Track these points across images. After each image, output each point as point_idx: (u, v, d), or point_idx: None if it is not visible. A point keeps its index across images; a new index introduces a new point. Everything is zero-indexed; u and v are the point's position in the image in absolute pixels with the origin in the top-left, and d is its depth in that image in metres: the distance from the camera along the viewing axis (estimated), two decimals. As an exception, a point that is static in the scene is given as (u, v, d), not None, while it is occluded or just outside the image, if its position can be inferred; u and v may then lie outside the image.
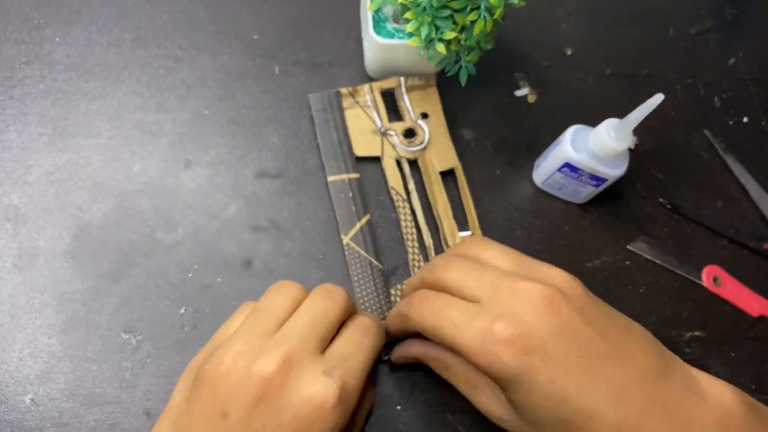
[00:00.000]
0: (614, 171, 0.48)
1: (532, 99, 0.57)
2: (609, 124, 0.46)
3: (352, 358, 0.35)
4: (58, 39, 0.52)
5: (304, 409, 0.31)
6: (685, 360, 0.46)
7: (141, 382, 0.43)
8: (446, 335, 0.34)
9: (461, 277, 0.36)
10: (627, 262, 0.52)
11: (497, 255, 0.37)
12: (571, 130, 0.48)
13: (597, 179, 0.49)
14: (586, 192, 0.51)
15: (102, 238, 0.46)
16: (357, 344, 0.36)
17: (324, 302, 0.36)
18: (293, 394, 0.31)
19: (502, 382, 0.33)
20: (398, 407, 0.45)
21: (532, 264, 0.36)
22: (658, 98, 0.42)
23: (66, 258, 0.45)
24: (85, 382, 0.43)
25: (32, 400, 0.42)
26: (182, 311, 0.45)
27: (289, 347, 0.32)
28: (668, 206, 0.54)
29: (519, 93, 0.57)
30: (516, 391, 0.32)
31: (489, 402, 0.37)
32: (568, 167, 0.49)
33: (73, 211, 0.47)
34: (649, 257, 0.52)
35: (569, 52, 0.60)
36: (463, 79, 0.48)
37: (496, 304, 0.33)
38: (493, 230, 0.51)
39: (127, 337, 0.44)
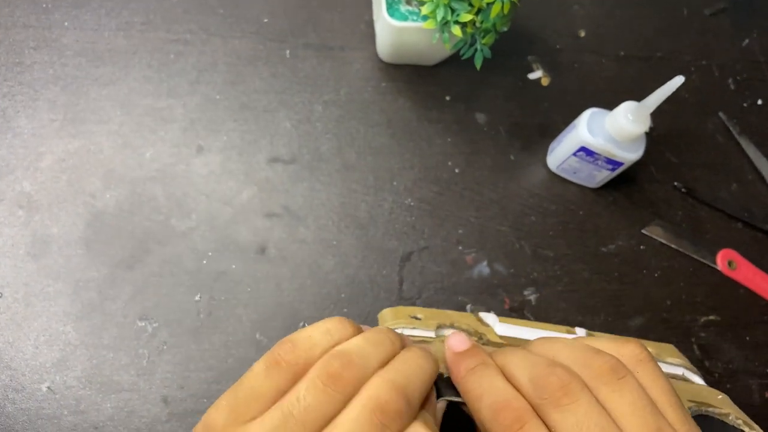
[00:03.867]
0: (631, 155, 0.47)
1: (545, 82, 0.57)
2: (627, 107, 0.45)
3: None
4: (66, 23, 0.51)
5: None
6: (699, 344, 0.46)
7: (158, 369, 0.43)
8: None
9: None
10: (642, 247, 0.52)
11: None
12: (587, 114, 0.48)
13: (613, 163, 0.48)
14: (601, 176, 0.51)
15: (116, 226, 0.46)
16: None
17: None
18: None
19: None
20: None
21: None
22: (678, 80, 0.42)
23: (80, 245, 0.45)
24: (101, 370, 0.42)
25: (49, 388, 0.42)
26: (197, 298, 0.45)
27: None
28: (683, 190, 0.54)
29: (532, 76, 0.57)
30: None
31: None
32: (584, 151, 0.48)
33: (86, 198, 0.46)
34: (663, 241, 0.52)
35: (582, 35, 0.59)
36: (478, 63, 0.47)
37: None
38: (507, 215, 0.51)
39: (143, 324, 0.44)
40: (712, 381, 0.48)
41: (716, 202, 0.54)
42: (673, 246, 0.52)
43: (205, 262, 0.46)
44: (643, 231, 0.52)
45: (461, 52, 0.47)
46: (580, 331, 0.45)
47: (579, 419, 0.27)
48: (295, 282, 0.47)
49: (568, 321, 0.49)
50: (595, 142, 0.47)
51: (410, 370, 0.29)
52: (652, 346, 0.46)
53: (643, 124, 0.45)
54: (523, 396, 0.29)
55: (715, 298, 0.51)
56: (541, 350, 0.32)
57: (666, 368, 0.44)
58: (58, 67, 0.50)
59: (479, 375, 0.31)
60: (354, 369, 0.27)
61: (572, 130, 0.49)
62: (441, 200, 0.51)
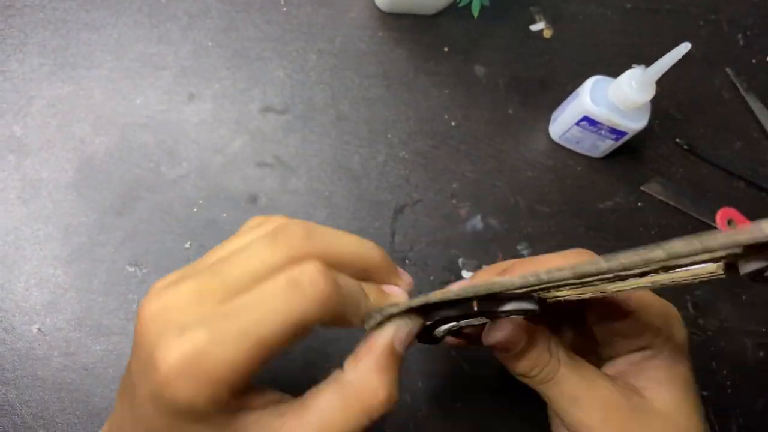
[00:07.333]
0: (635, 124, 0.46)
1: (547, 34, 0.55)
2: (631, 75, 0.44)
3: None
4: (57, -34, 0.50)
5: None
6: (694, 302, 0.46)
7: (146, 314, 0.43)
8: None
9: None
10: (640, 204, 0.51)
11: None
12: (590, 82, 0.47)
13: (617, 133, 0.47)
14: (605, 146, 0.49)
15: (106, 172, 0.46)
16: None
17: (291, 299, 0.24)
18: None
19: None
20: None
21: None
22: (684, 48, 0.40)
23: (70, 190, 0.45)
24: (91, 313, 0.43)
25: (39, 329, 0.42)
26: (187, 246, 0.45)
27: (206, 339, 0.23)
28: (685, 146, 0.53)
29: (534, 28, 0.55)
30: None
31: None
32: (587, 121, 0.47)
33: (75, 143, 0.46)
34: (662, 199, 0.51)
35: (588, -15, 0.57)
36: (475, 11, 0.46)
37: None
38: (503, 170, 0.50)
39: (133, 269, 0.44)
40: (706, 338, 0.48)
41: (718, 160, 0.53)
42: (672, 203, 0.51)
43: (195, 210, 0.46)
44: (642, 188, 0.51)
45: (458, 0, 0.46)
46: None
47: None
48: (286, 232, 0.46)
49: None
50: (599, 112, 0.46)
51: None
52: None
53: (648, 93, 0.44)
54: None
55: (713, 257, 0.50)
56: None
57: None
58: (49, 10, 0.49)
59: None
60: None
61: (575, 99, 0.48)
62: (436, 154, 0.50)
